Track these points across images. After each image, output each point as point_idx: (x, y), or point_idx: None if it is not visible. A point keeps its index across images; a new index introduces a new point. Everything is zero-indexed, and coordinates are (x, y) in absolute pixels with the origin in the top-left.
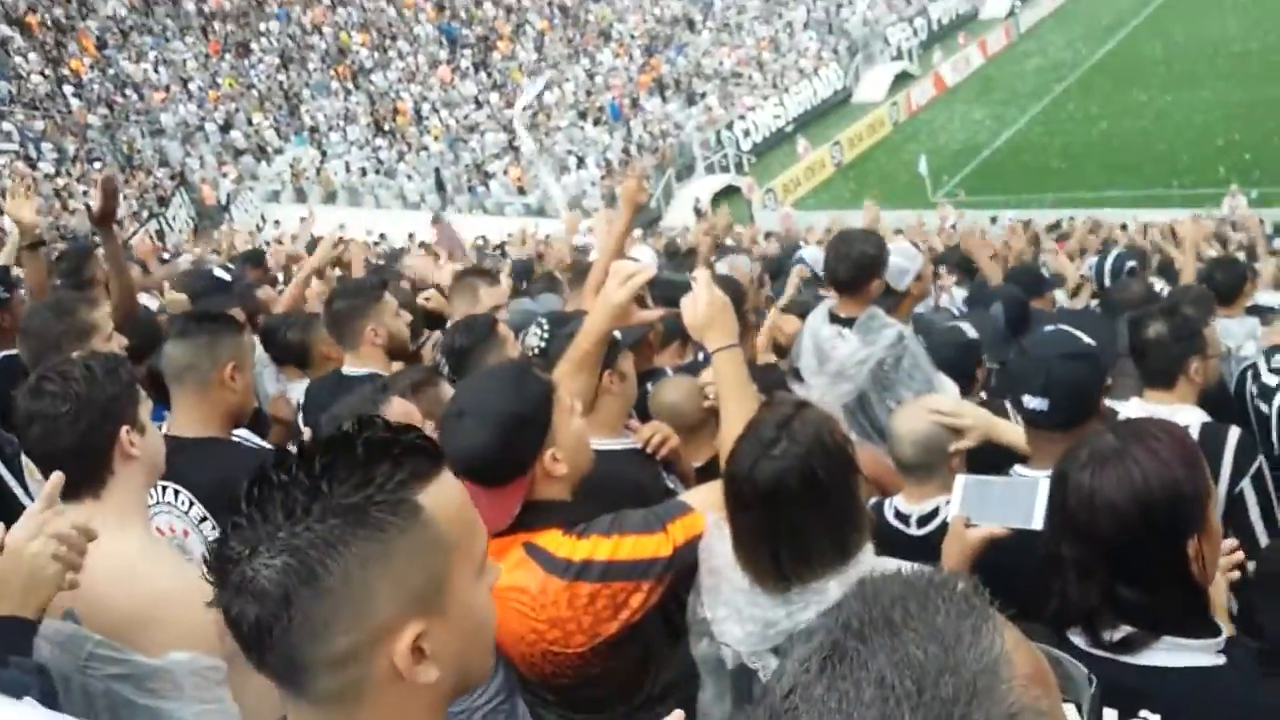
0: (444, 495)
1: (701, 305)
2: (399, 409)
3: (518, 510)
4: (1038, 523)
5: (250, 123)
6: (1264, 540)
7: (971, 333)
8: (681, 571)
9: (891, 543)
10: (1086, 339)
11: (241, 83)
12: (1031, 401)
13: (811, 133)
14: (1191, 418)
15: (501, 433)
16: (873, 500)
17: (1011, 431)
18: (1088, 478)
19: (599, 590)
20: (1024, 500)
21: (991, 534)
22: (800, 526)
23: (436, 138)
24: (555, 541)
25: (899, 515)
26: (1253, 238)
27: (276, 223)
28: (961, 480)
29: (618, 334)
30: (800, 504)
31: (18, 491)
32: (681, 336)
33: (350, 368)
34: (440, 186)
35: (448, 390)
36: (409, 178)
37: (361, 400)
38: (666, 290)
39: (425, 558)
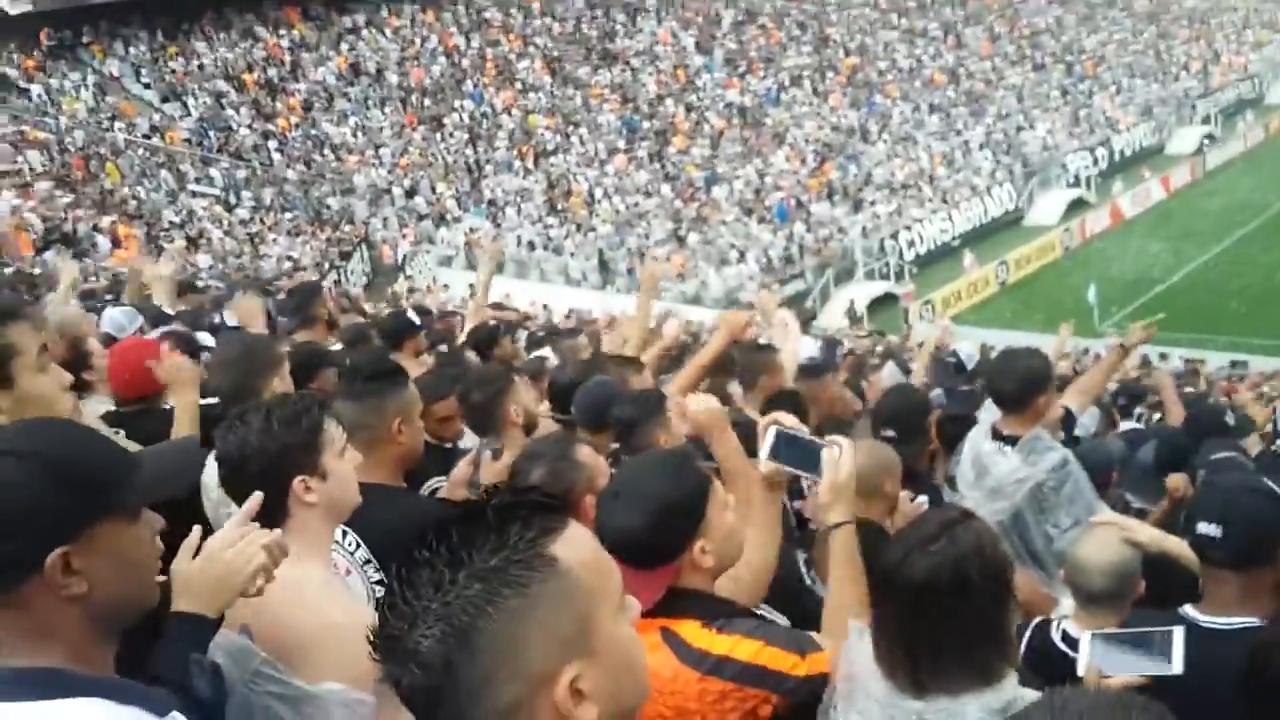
0: (576, 544)
1: (842, 476)
2: (588, 454)
3: (661, 595)
4: (1177, 667)
5: (434, 190)
6: None
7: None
8: (804, 701)
9: (1055, 666)
10: (1274, 486)
11: (430, 153)
12: (1206, 528)
13: (978, 250)
14: None
15: (653, 518)
16: (1036, 620)
17: (1176, 542)
18: None
19: (730, 691)
20: (1160, 648)
21: (1128, 684)
22: (943, 630)
23: (605, 221)
24: (693, 632)
25: (1066, 638)
26: None
27: (446, 286)
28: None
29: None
30: (946, 607)
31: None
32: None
33: None
34: (604, 267)
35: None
36: (572, 255)
37: (555, 442)
38: (803, 455)
39: (569, 604)
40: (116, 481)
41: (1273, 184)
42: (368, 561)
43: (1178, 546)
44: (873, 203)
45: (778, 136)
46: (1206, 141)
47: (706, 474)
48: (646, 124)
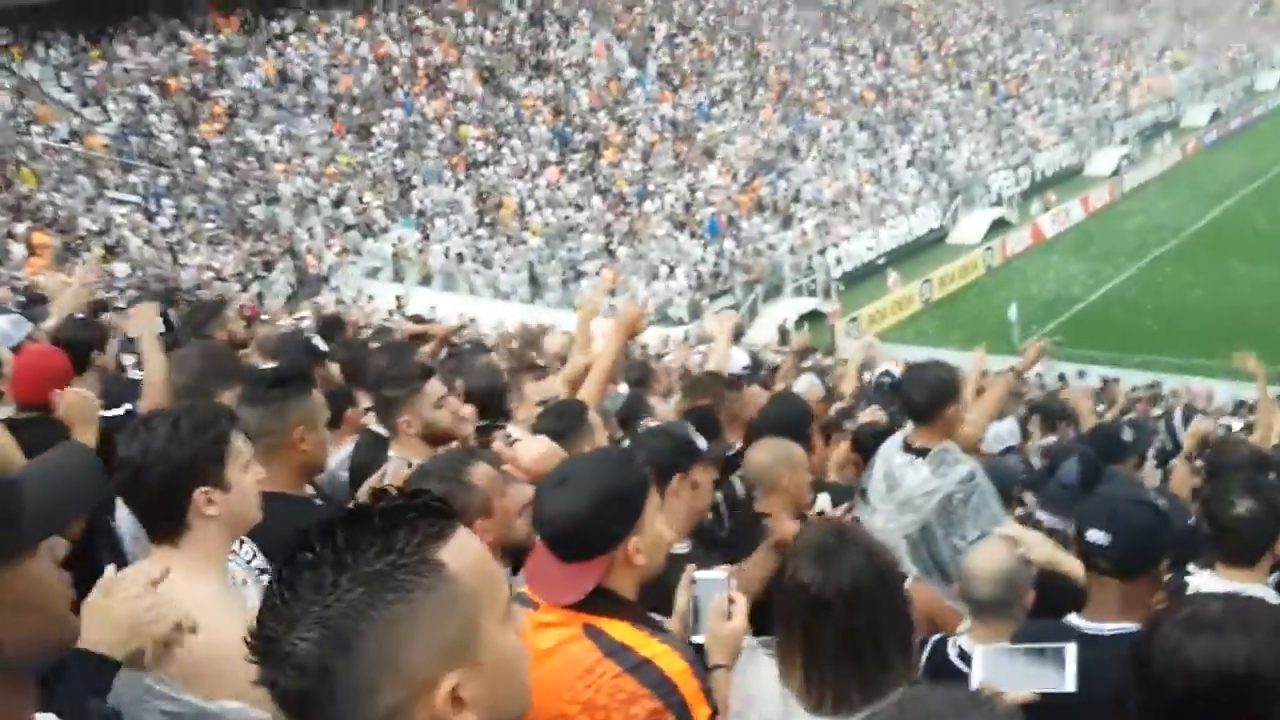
0: (463, 550)
1: (725, 630)
2: (483, 475)
3: (589, 589)
4: (1069, 685)
5: (361, 200)
6: None
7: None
8: None
9: (951, 682)
10: (1161, 500)
11: (358, 163)
12: (1094, 535)
13: (903, 267)
14: (1267, 597)
15: (597, 504)
16: (935, 637)
17: (1072, 563)
18: (1178, 634)
19: (643, 696)
20: (1052, 664)
21: (1020, 699)
22: (873, 630)
23: (535, 233)
24: (622, 630)
25: (963, 655)
26: None
27: (370, 297)
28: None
29: (703, 443)
30: (874, 606)
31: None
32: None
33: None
34: (534, 280)
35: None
36: (503, 269)
37: (449, 460)
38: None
39: (453, 611)
40: (2, 522)
41: (1188, 205)
42: (264, 571)
43: (1072, 565)
44: (801, 219)
45: (709, 151)
46: (1124, 162)
47: (648, 473)
48: (579, 136)
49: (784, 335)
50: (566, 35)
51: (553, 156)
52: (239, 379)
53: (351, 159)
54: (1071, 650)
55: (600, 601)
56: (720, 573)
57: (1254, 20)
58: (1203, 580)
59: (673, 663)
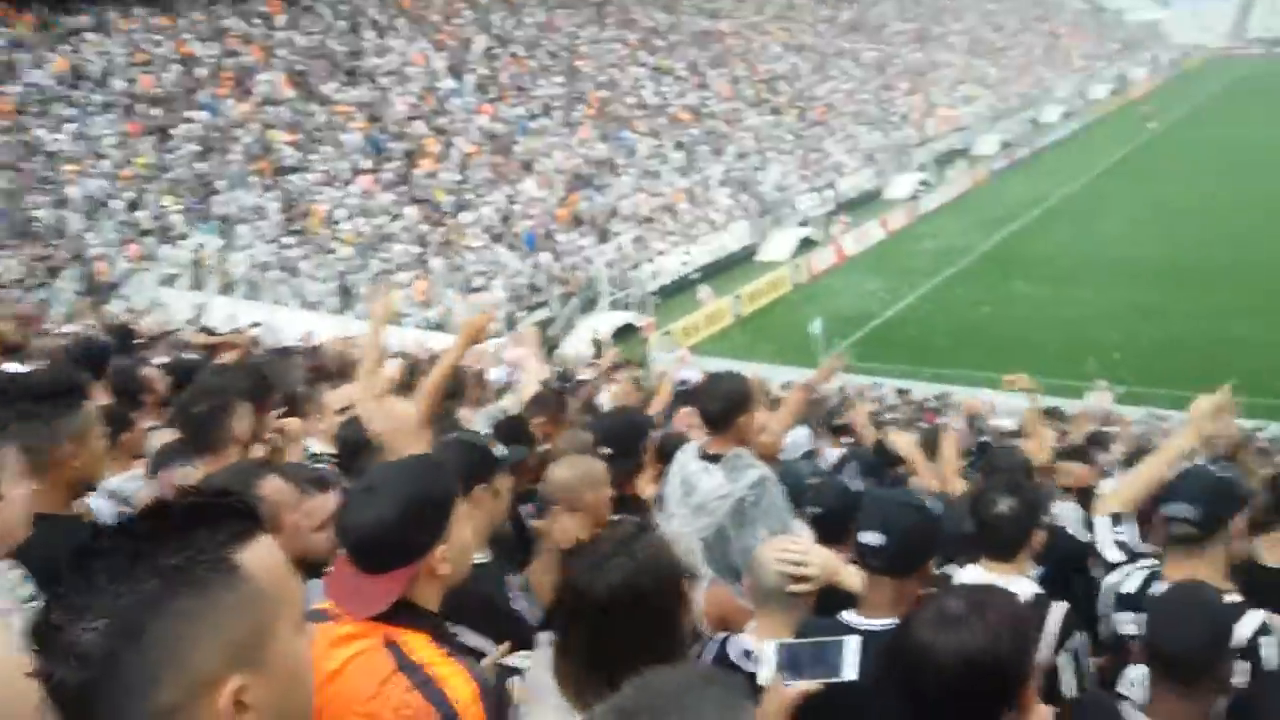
0: (262, 554)
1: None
2: (273, 488)
3: (391, 602)
4: (849, 674)
5: (159, 205)
6: None
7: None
8: None
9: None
10: (930, 501)
11: (156, 165)
12: (868, 537)
13: (715, 283)
14: (1024, 588)
15: (404, 512)
16: (719, 636)
17: (853, 577)
18: (928, 634)
19: (427, 713)
20: (833, 656)
21: (806, 691)
22: (627, 644)
23: (346, 242)
24: (420, 644)
25: (745, 654)
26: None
27: (163, 305)
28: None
29: (501, 451)
30: (627, 620)
31: None
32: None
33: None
34: (345, 291)
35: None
36: (311, 278)
37: (237, 473)
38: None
39: (245, 613)
40: None
41: (978, 229)
42: (31, 598)
43: (850, 577)
44: (618, 234)
45: (527, 165)
46: (921, 187)
47: (454, 482)
48: (393, 145)
49: (598, 348)
50: (383, 43)
51: (366, 165)
52: None
53: (149, 161)
54: (853, 642)
55: (403, 614)
56: (526, 662)
57: (1040, 59)
58: (968, 574)
59: (460, 686)
